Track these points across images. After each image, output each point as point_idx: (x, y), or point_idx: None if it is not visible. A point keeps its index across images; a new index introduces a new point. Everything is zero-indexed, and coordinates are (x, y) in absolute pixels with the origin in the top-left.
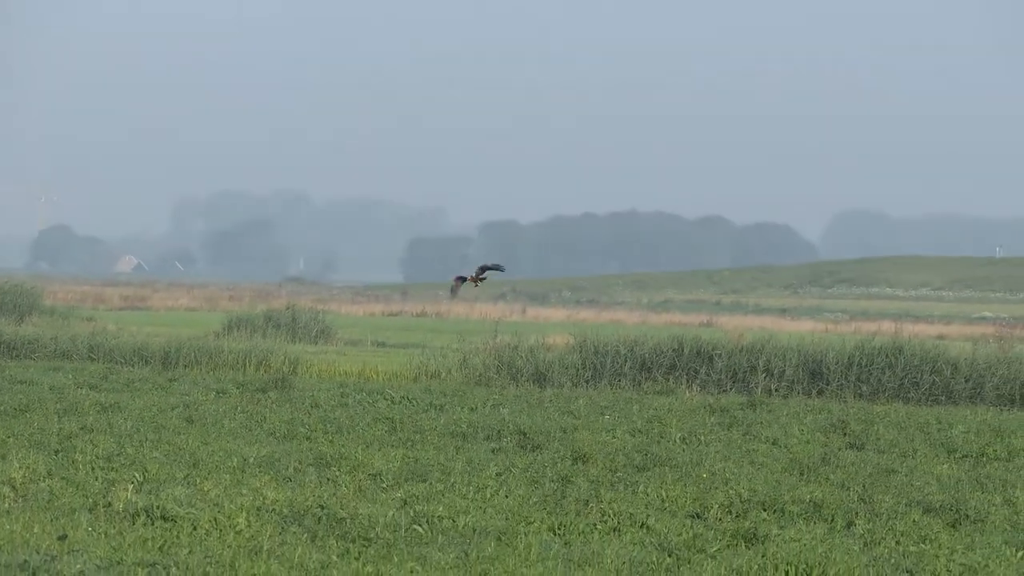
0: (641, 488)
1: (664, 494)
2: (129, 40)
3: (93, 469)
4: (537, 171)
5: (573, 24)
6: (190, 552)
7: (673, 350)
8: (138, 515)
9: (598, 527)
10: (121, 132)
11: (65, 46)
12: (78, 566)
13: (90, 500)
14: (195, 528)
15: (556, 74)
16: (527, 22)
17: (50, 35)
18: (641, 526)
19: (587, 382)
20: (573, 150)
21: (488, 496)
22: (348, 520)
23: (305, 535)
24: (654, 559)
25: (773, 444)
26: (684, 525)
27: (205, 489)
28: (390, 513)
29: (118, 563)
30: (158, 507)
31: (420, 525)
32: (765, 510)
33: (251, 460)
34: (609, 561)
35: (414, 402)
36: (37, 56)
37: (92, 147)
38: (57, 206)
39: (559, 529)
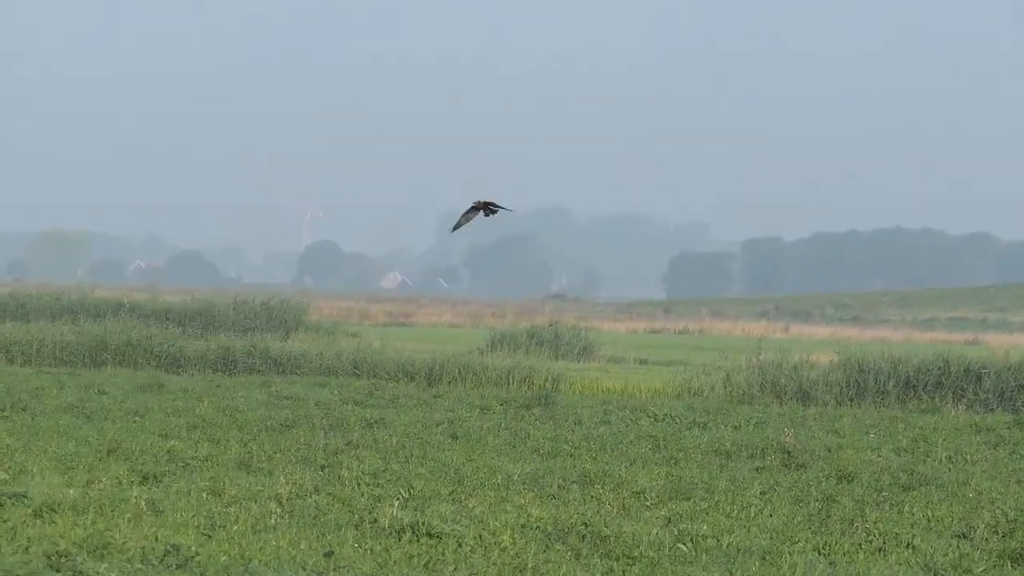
0: (906, 508)
1: (930, 514)
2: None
3: (359, 485)
4: (800, 187)
5: (833, 35)
6: (455, 569)
7: (939, 368)
8: (404, 532)
9: (863, 547)
10: (378, 152)
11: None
12: None
13: (356, 516)
14: (460, 545)
15: (818, 92)
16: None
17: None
18: (907, 546)
19: (851, 400)
20: (837, 166)
21: (752, 515)
22: (612, 538)
23: (569, 553)
24: None
25: None
26: (950, 545)
27: (470, 506)
28: (654, 531)
29: None
30: (423, 524)
31: (684, 544)
32: None
33: (515, 477)
34: None
35: (677, 420)
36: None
37: (357, 166)
38: (323, 222)
39: (824, 549)
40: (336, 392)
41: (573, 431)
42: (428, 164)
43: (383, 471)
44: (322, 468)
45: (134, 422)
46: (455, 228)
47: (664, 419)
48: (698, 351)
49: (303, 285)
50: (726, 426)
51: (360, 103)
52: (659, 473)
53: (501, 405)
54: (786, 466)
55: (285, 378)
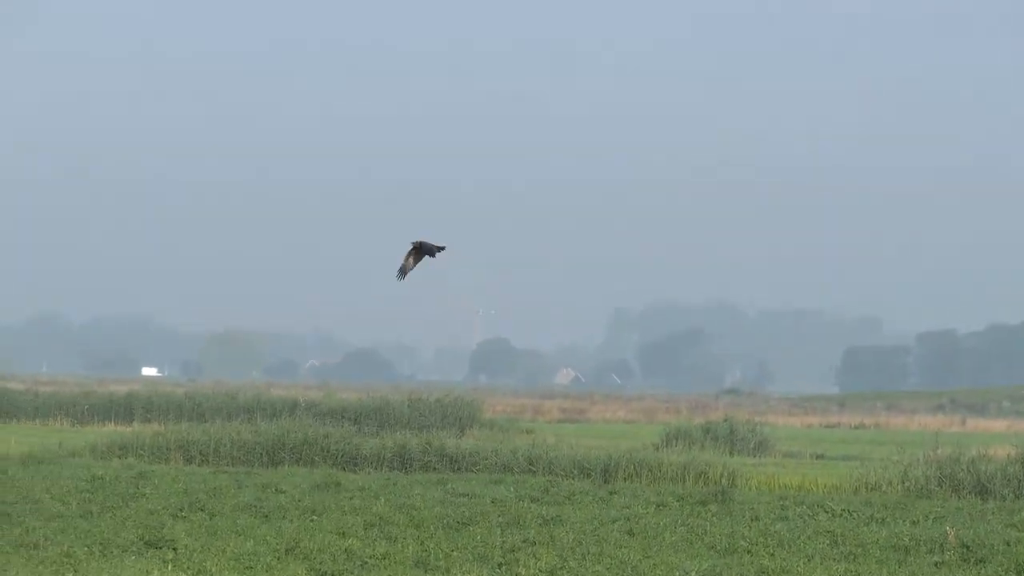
0: None
1: None
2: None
3: None
4: (974, 278)
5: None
6: None
7: None
8: None
9: None
10: (557, 253)
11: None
12: None
13: None
14: None
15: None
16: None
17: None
18: None
19: None
20: (1012, 257)
21: None
22: None
23: None
24: None
25: None
26: None
27: None
28: None
29: None
30: None
31: None
32: None
33: (692, 574)
34: None
35: (855, 515)
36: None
37: (528, 264)
38: (495, 319)
39: None
40: (512, 489)
41: (750, 527)
42: (596, 259)
43: (560, 569)
44: (499, 566)
45: (311, 521)
46: (402, 276)
47: (842, 514)
48: (874, 445)
49: (477, 382)
50: (904, 521)
51: (527, 202)
52: (837, 569)
53: (677, 501)
54: (965, 560)
55: (461, 475)
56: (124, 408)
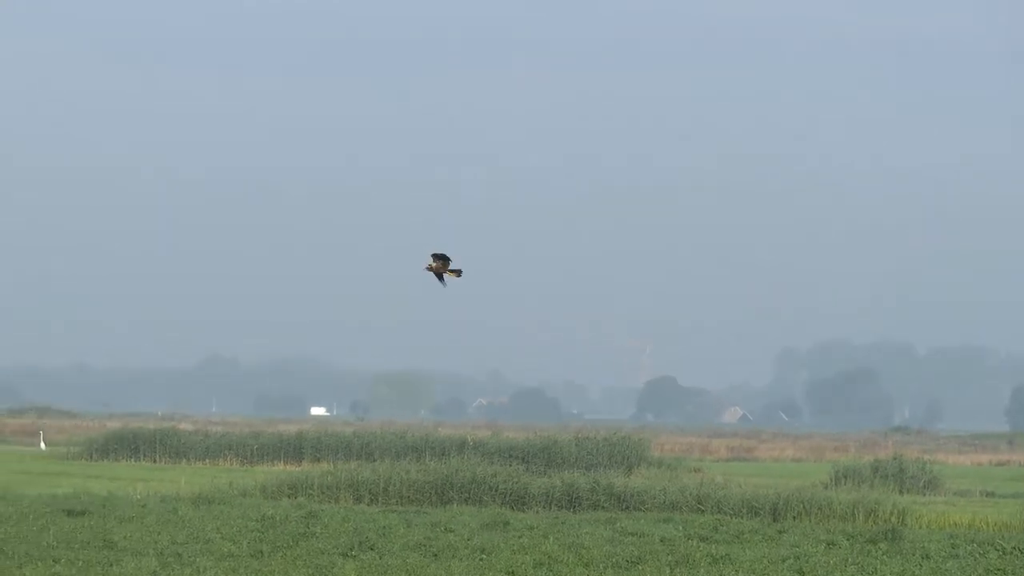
0: None
1: None
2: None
3: None
4: None
5: None
6: None
7: None
8: None
9: None
10: (724, 291)
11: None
12: None
13: None
14: None
15: None
16: None
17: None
18: None
19: None
20: None
21: None
22: None
23: None
24: None
25: None
26: None
27: None
28: None
29: None
30: None
31: None
32: None
33: None
34: None
35: None
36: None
37: (696, 303)
38: (662, 358)
39: None
40: (680, 528)
41: (921, 565)
42: (763, 297)
43: None
44: None
45: (480, 560)
46: (442, 281)
47: (1012, 552)
48: None
49: (644, 420)
50: None
51: (694, 243)
52: None
53: (847, 540)
54: None
55: (629, 514)
56: (293, 448)
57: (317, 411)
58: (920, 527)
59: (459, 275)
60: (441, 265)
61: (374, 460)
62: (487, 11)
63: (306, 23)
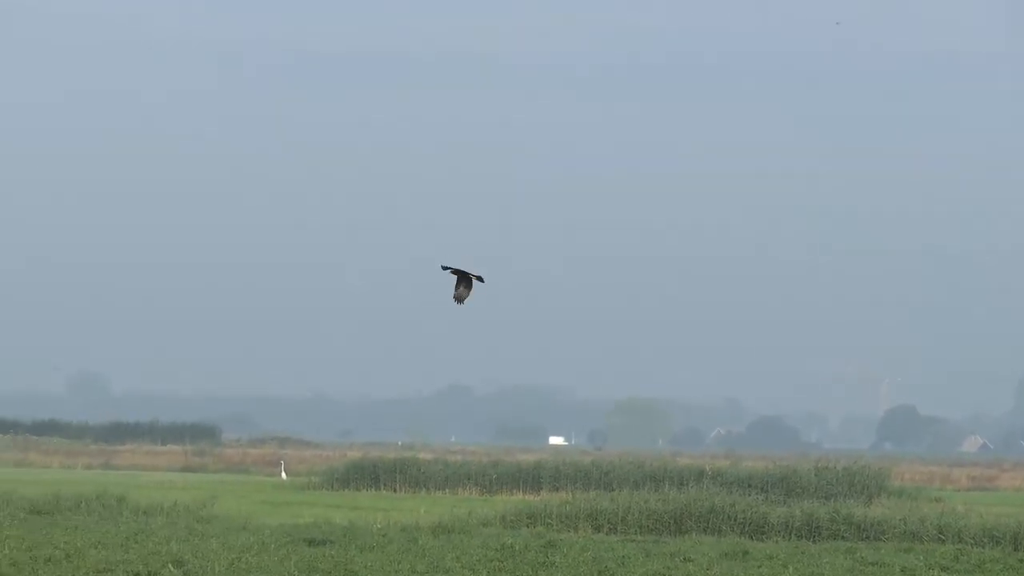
0: None
1: None
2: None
3: None
4: None
5: None
6: None
7: None
8: None
9: None
10: (963, 318)
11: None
12: None
13: None
14: None
15: None
16: None
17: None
18: None
19: None
20: None
21: None
22: None
23: None
24: None
25: None
26: None
27: None
28: None
29: None
30: None
31: None
32: None
33: None
34: None
35: None
36: None
37: (935, 331)
38: (900, 386)
39: None
40: (921, 558)
41: None
42: (1002, 324)
43: None
44: None
45: None
46: (461, 301)
47: None
48: None
49: (883, 450)
50: None
51: (926, 272)
52: None
53: None
54: None
55: (869, 544)
56: (532, 477)
57: (555, 440)
58: None
59: (480, 280)
60: (463, 286)
61: (612, 489)
62: None
63: None
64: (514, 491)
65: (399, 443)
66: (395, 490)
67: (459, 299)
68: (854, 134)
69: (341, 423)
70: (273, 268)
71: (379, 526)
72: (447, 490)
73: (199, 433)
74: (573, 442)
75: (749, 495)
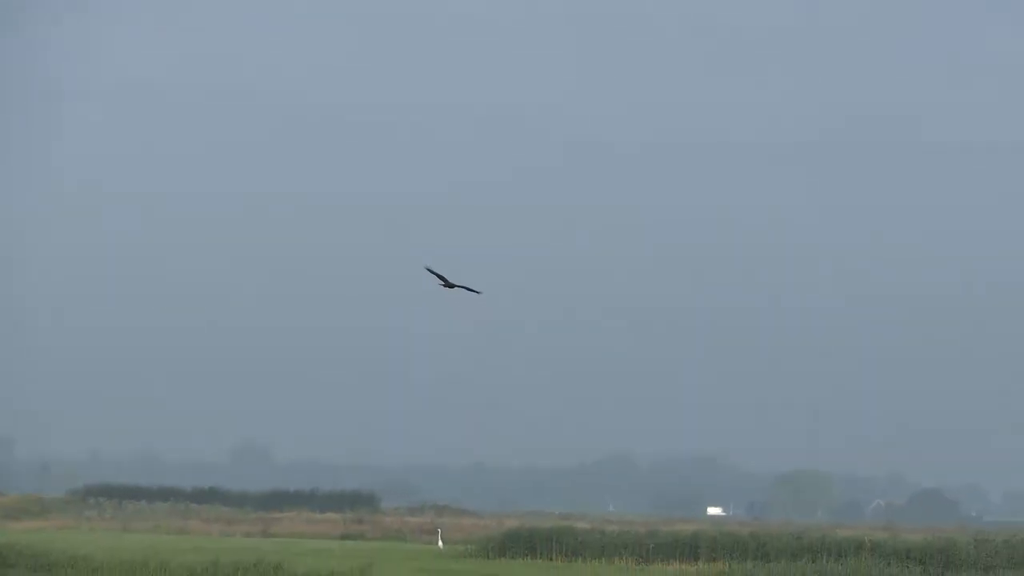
0: None
1: None
2: None
3: None
4: None
5: None
6: None
7: None
8: None
9: None
10: None
11: None
12: None
13: None
14: None
15: None
16: None
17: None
18: None
19: None
20: None
21: None
22: None
23: None
24: None
25: None
26: None
27: None
28: None
29: None
30: None
31: None
32: None
33: None
34: None
35: None
36: None
37: None
38: None
39: None
40: None
41: None
42: None
43: None
44: None
45: None
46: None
47: None
48: None
49: None
50: None
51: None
52: None
53: None
54: None
55: None
56: (689, 547)
57: (714, 511)
58: None
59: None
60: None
61: (770, 561)
62: None
63: None
64: (671, 561)
65: (556, 512)
66: (551, 559)
67: (448, 285)
68: None
69: (501, 492)
70: (434, 334)
71: None
72: (603, 559)
73: (358, 501)
74: (731, 512)
75: (907, 567)
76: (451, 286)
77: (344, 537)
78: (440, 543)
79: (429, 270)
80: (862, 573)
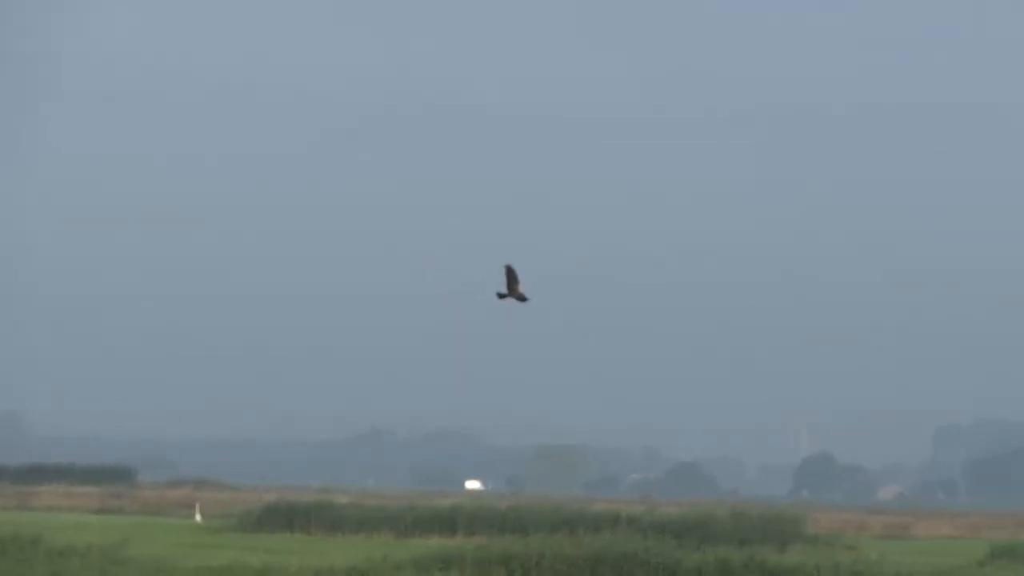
0: None
1: None
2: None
3: None
4: None
5: None
6: None
7: None
8: None
9: None
10: (883, 367)
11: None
12: None
13: None
14: None
15: None
16: None
17: None
18: None
19: None
20: None
21: None
22: None
23: None
24: None
25: None
26: None
27: None
28: None
29: None
30: None
31: None
32: None
33: None
34: None
35: None
36: None
37: (853, 378)
38: (819, 435)
39: None
40: None
41: None
42: (921, 374)
43: None
44: None
45: None
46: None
47: None
48: None
49: (800, 497)
50: None
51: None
52: None
53: None
54: None
55: None
56: (448, 521)
57: (472, 485)
58: None
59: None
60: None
61: (527, 534)
62: None
63: None
64: (430, 535)
65: (315, 486)
66: (310, 533)
67: (520, 297)
68: None
69: (261, 466)
70: (197, 301)
71: (293, 570)
72: (362, 534)
73: (115, 475)
74: (490, 487)
75: (663, 540)
76: (513, 296)
77: (101, 511)
78: (198, 517)
79: (509, 269)
80: (618, 546)
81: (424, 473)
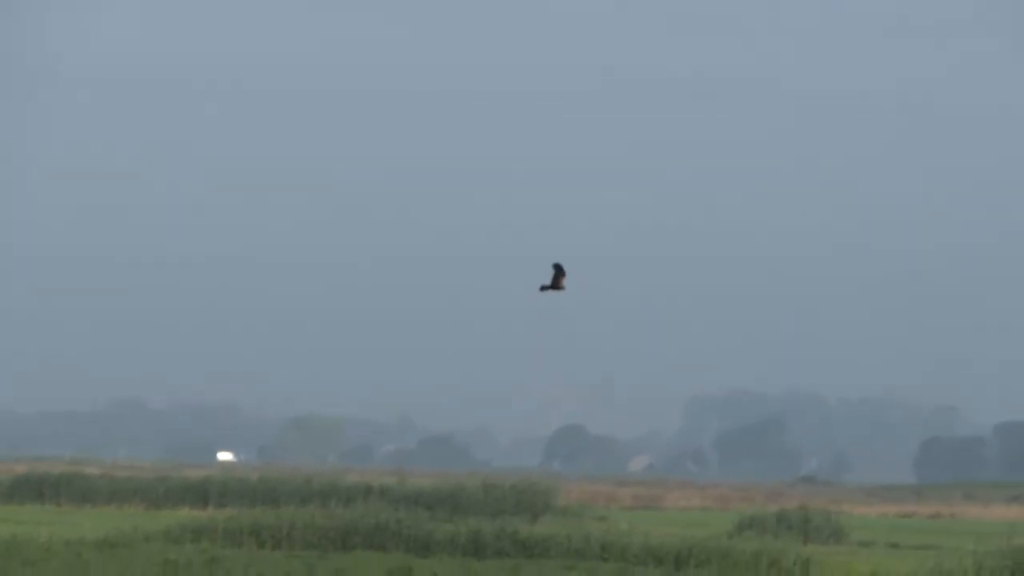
0: None
1: None
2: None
3: None
4: None
5: None
6: None
7: None
8: None
9: None
10: (636, 340)
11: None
12: None
13: None
14: None
15: None
16: None
17: None
18: None
19: None
20: None
21: None
22: None
23: None
24: None
25: None
26: None
27: None
28: None
29: None
30: None
31: None
32: None
33: None
34: None
35: None
36: None
37: (605, 351)
38: (573, 406)
39: None
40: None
41: None
42: (673, 346)
43: None
44: None
45: None
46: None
47: None
48: (949, 536)
49: (551, 468)
50: None
51: (602, 286)
52: None
53: None
54: None
55: (534, 561)
56: (199, 493)
57: (224, 456)
58: None
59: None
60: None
61: (279, 506)
62: None
63: None
64: (181, 507)
65: (66, 457)
66: (60, 504)
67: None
68: None
69: (12, 438)
70: None
71: (43, 540)
72: (114, 505)
73: None
74: (242, 458)
75: (416, 512)
76: (556, 288)
77: None
78: None
79: (557, 267)
80: (370, 518)
81: (177, 445)
